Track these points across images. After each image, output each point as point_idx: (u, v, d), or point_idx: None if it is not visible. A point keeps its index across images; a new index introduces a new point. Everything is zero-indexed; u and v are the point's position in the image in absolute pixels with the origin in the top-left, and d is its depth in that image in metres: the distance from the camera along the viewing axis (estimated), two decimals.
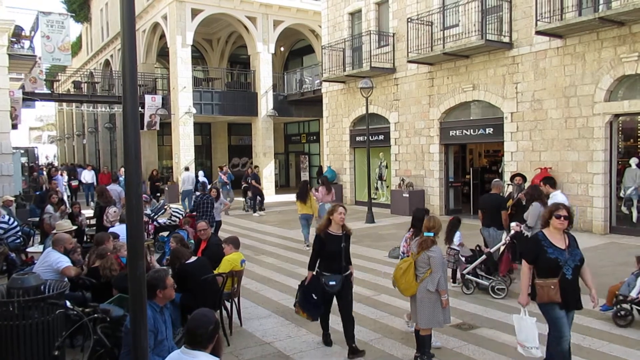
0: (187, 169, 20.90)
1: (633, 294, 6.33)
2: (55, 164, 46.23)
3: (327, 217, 5.87)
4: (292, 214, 17.54)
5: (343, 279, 5.73)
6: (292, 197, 18.46)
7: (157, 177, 23.06)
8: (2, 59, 15.04)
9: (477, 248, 8.14)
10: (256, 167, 22.48)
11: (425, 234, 5.38)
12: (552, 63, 13.03)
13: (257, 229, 14.99)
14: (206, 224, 7.82)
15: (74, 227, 8.17)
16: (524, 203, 9.10)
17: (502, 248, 7.78)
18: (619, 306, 6.44)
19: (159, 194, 22.13)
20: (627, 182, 11.95)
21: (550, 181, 8.60)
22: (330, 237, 5.77)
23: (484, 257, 7.82)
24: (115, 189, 13.22)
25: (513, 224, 7.98)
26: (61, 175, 22.38)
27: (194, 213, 11.55)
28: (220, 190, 18.18)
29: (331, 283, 5.69)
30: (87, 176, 22.84)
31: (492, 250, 7.91)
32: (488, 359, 5.57)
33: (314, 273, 5.89)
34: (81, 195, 22.77)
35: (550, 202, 7.36)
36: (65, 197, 18.49)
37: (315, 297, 5.75)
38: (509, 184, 10.66)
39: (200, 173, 20.81)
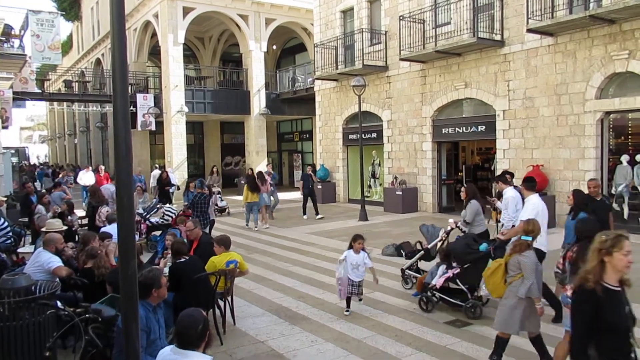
0: (156, 167, 21.64)
1: (434, 282, 7.01)
2: (42, 162, 45.82)
3: (598, 259, 3.19)
4: (287, 211, 17.57)
5: None
6: (287, 195, 18.53)
7: (167, 180, 18.94)
8: None
9: (418, 244, 8.47)
10: (251, 168, 21.72)
11: (523, 237, 5.15)
12: (543, 61, 13.09)
13: (251, 227, 14.96)
14: (193, 224, 7.77)
15: (64, 228, 8.11)
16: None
17: (439, 244, 8.01)
18: (424, 293, 7.15)
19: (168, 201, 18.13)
20: (618, 179, 12.03)
21: (502, 178, 8.63)
22: (610, 294, 3.16)
23: (422, 252, 8.15)
24: (109, 189, 13.17)
25: (451, 220, 8.25)
26: (68, 175, 21.45)
27: (189, 211, 11.54)
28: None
29: None
30: (85, 178, 20.35)
31: (429, 246, 8.13)
32: (482, 355, 5.59)
33: None
34: (77, 195, 22.53)
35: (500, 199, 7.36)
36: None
37: None
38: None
39: (170, 170, 20.93)
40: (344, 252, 7.09)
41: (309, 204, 16.42)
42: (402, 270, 8.32)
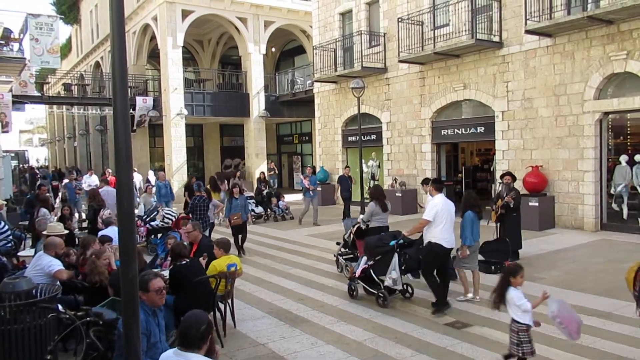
0: (135, 170, 21.58)
1: (357, 271, 7.69)
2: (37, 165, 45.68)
3: None
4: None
5: None
6: (287, 198, 18.46)
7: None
8: None
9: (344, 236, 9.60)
10: (263, 172, 20.95)
11: None
12: (542, 62, 13.11)
13: (250, 230, 14.92)
14: (192, 227, 7.79)
15: (66, 232, 8.11)
16: (511, 205, 9.38)
17: (352, 235, 9.17)
18: (351, 281, 7.92)
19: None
20: (617, 179, 12.04)
21: (426, 180, 9.17)
22: None
23: (343, 242, 9.47)
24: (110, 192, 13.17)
25: (361, 217, 9.24)
26: (77, 180, 20.83)
27: (189, 215, 11.53)
28: (303, 196, 15.99)
29: None
30: (91, 181, 19.63)
31: (345, 238, 9.39)
32: (481, 356, 5.60)
33: None
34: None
35: (427, 205, 7.75)
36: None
37: None
38: (500, 183, 10.74)
39: (150, 173, 20.85)
40: (518, 296, 4.70)
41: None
42: (336, 257, 9.57)
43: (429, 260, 7.22)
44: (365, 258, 7.67)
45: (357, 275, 7.69)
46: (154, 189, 15.46)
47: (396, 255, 7.27)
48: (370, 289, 7.60)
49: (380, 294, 7.42)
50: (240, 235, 11.59)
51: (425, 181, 9.51)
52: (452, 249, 7.23)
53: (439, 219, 7.04)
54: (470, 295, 7.49)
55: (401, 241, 7.41)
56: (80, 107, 27.24)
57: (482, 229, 11.32)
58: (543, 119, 13.17)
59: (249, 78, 25.01)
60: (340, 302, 7.71)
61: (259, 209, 16.96)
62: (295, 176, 28.59)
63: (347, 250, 9.42)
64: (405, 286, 7.65)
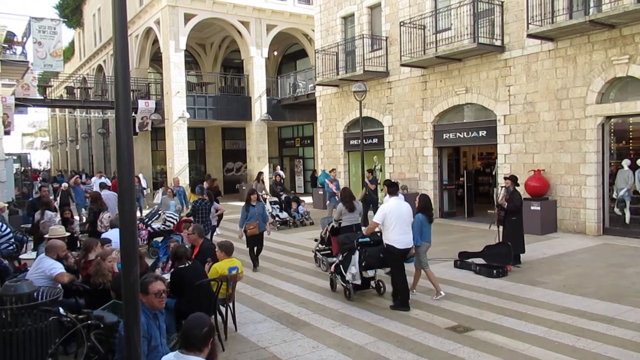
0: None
1: (332, 266, 8.31)
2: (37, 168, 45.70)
3: None
4: None
5: None
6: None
7: (216, 189, 16.25)
8: None
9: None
10: (278, 174, 20.19)
11: None
12: (544, 66, 13.11)
13: None
14: (192, 229, 7.77)
15: (67, 234, 8.11)
16: (504, 207, 9.58)
17: (327, 233, 9.74)
18: (331, 276, 8.49)
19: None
20: (619, 183, 12.02)
21: (388, 183, 9.15)
22: None
23: (320, 239, 10.15)
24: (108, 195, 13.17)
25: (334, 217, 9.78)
26: (86, 184, 20.33)
27: (191, 217, 11.53)
28: (328, 201, 15.61)
29: None
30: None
31: (322, 235, 10.04)
32: None
33: None
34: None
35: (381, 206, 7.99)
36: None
37: None
38: (502, 187, 10.73)
39: (140, 175, 20.79)
40: None
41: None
42: (314, 252, 10.22)
43: (388, 261, 7.65)
44: (341, 255, 8.17)
45: (332, 270, 8.32)
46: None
47: (357, 252, 7.71)
48: (342, 283, 8.10)
49: (347, 288, 7.96)
50: (255, 247, 10.46)
51: (386, 182, 10.00)
52: (406, 249, 7.50)
53: (388, 222, 7.35)
54: (443, 293, 7.83)
55: (366, 239, 7.80)
56: (82, 110, 27.36)
57: (484, 233, 11.38)
58: (545, 123, 13.16)
59: (251, 81, 25.06)
60: (342, 306, 7.70)
61: (284, 214, 15.98)
62: (297, 179, 28.60)
63: (324, 246, 10.01)
64: (377, 282, 8.15)
